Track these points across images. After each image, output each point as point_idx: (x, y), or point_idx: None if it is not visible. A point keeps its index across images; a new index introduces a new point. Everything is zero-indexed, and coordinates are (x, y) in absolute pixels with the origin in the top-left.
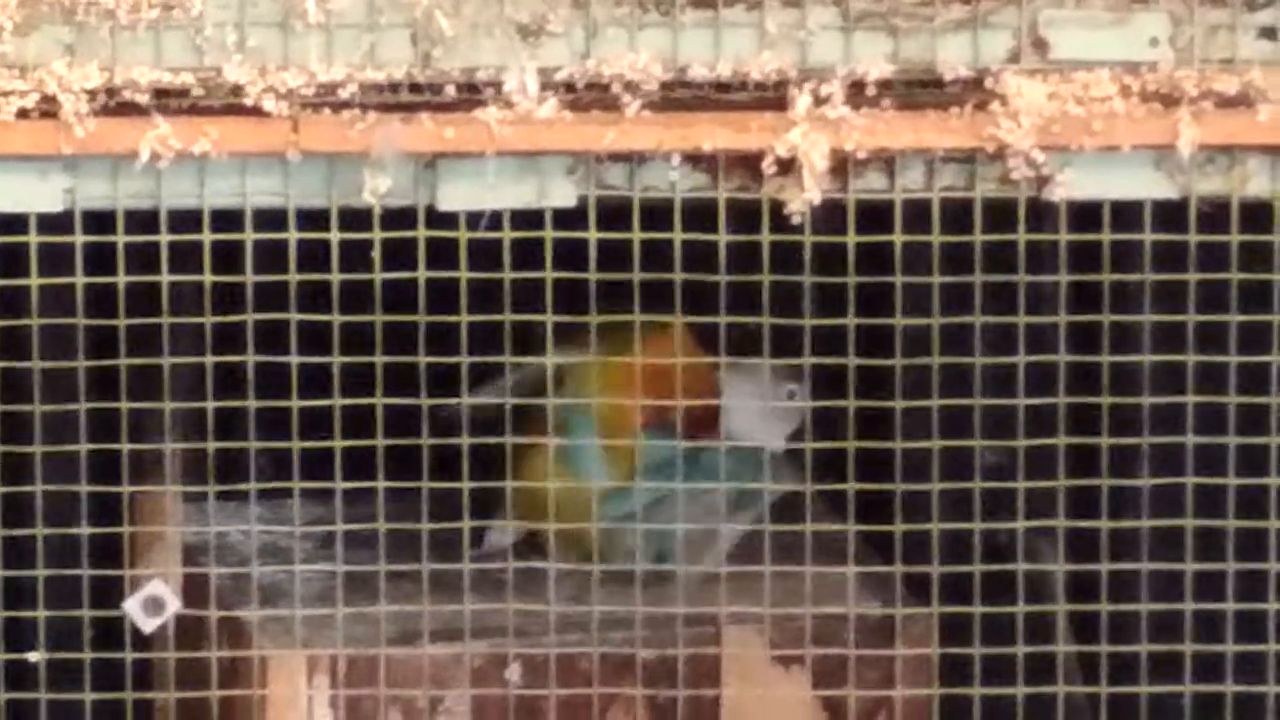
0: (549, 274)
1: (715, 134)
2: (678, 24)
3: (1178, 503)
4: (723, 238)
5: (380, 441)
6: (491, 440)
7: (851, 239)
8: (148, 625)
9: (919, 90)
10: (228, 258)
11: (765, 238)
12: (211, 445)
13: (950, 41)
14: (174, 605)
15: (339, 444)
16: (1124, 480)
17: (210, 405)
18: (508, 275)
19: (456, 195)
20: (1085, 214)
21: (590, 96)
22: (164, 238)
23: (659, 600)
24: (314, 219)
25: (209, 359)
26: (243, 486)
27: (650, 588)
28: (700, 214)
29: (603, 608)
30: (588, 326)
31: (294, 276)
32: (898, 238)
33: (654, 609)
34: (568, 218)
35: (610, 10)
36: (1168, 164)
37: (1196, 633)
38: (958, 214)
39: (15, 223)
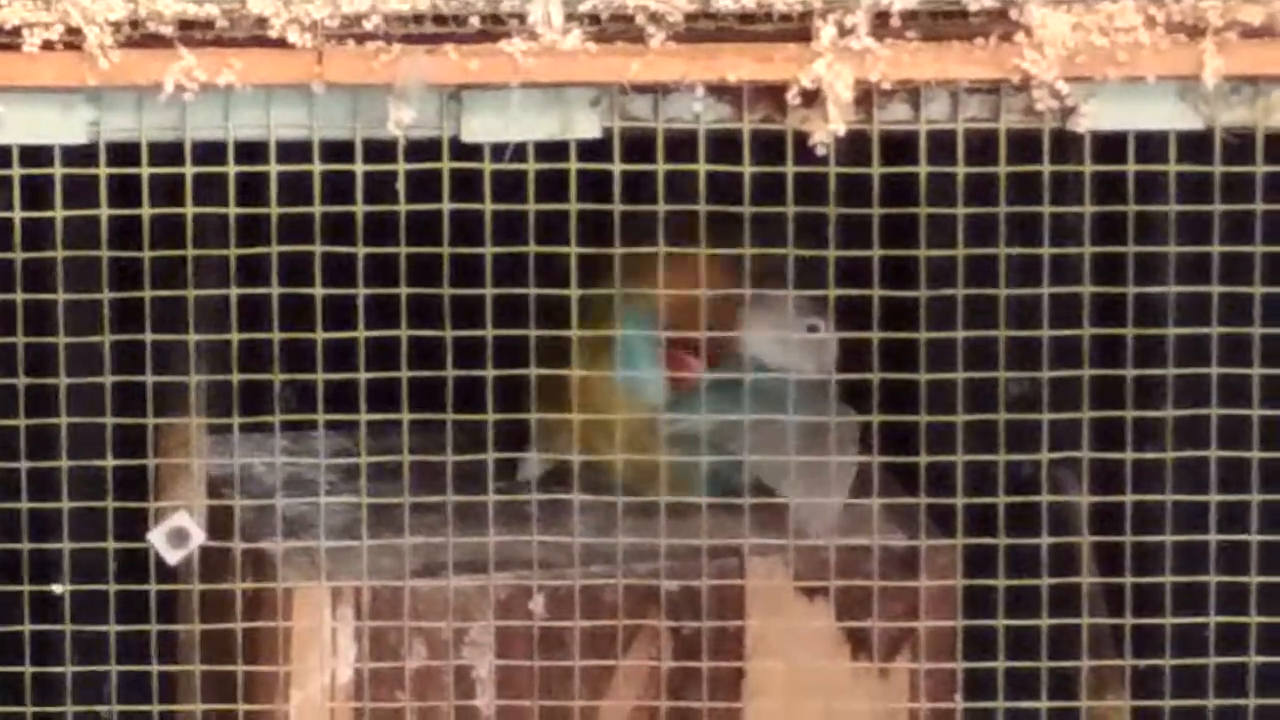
0: (574, 205)
1: (740, 65)
2: None
3: (1203, 435)
4: (747, 169)
5: (405, 373)
6: (516, 372)
7: (876, 170)
8: (172, 557)
9: (943, 21)
10: (252, 190)
11: (790, 169)
12: (236, 377)
13: None
14: (198, 537)
15: (363, 375)
16: (1149, 412)
17: (235, 337)
18: (532, 207)
19: (481, 127)
20: (1110, 145)
21: (614, 28)
22: (189, 170)
23: (690, 532)
24: (338, 151)
25: (233, 291)
26: (267, 418)
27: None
28: (725, 145)
29: (628, 540)
30: (611, 258)
31: (319, 208)
32: (922, 169)
33: (679, 540)
34: (592, 149)
35: None
36: (1192, 95)
37: (1221, 565)
38: (982, 145)
39: (40, 154)
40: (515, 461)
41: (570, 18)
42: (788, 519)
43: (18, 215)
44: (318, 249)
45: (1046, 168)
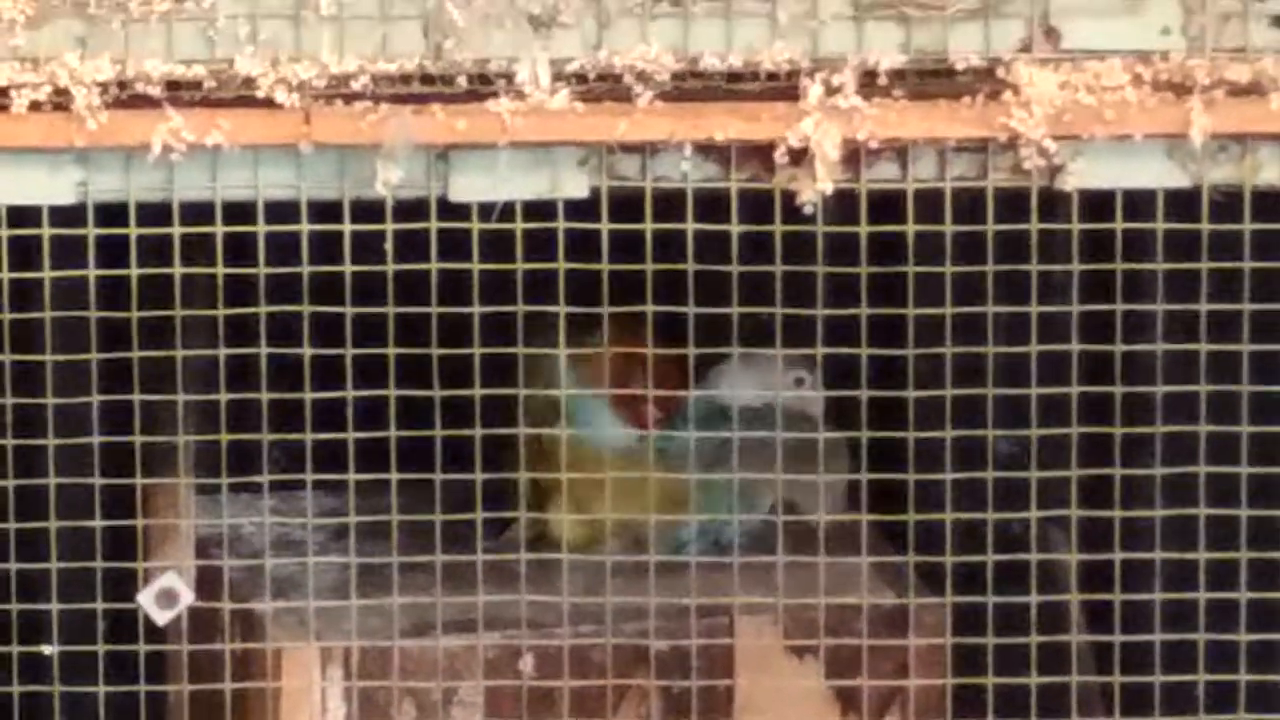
0: (561, 264)
1: (727, 124)
2: (689, 14)
3: (1191, 492)
4: (735, 227)
5: (393, 433)
6: (504, 431)
7: (863, 229)
8: (161, 618)
9: (930, 80)
10: (240, 250)
11: (777, 228)
12: (224, 437)
13: (962, 31)
14: (187, 598)
15: (352, 435)
16: (1137, 470)
17: (223, 397)
18: (520, 266)
19: (469, 186)
20: (1098, 203)
21: (602, 88)
22: (176, 230)
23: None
24: (326, 211)
25: (222, 351)
26: (256, 479)
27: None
28: (712, 204)
29: (618, 599)
30: (597, 317)
31: (306, 269)
32: (910, 228)
33: (668, 599)
34: (580, 208)
35: (622, 1)
36: (1180, 153)
37: (1210, 623)
38: (970, 204)
39: (28, 215)
40: (504, 521)
41: (558, 78)
42: (775, 577)
43: (5, 275)
44: (306, 309)
45: (1034, 226)
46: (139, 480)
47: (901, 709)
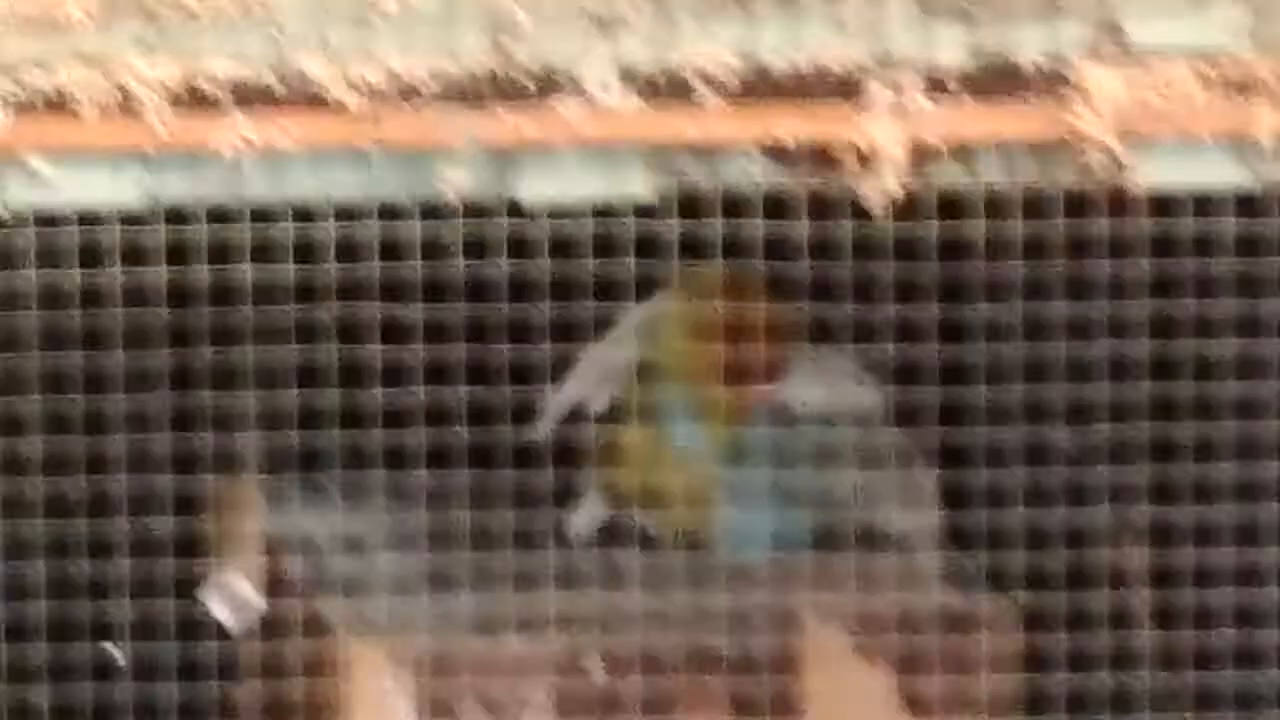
0: (630, 264)
1: (793, 126)
2: (755, 16)
3: (1261, 491)
4: (803, 227)
5: (461, 432)
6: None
7: (930, 229)
8: (229, 620)
9: (996, 80)
10: (307, 251)
11: (844, 228)
12: (293, 438)
13: (1027, 31)
14: (256, 600)
15: (421, 436)
16: (1205, 468)
17: (292, 398)
18: (588, 265)
19: (535, 188)
20: (1164, 203)
21: (667, 89)
22: (244, 232)
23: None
24: (393, 212)
25: (290, 351)
26: (324, 480)
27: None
28: (778, 205)
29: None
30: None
31: (375, 267)
32: (977, 227)
33: (737, 603)
34: (645, 209)
35: (687, 2)
36: (1247, 153)
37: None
38: (1036, 203)
39: (95, 218)
40: (567, 519)
41: (623, 79)
42: (847, 579)
43: (76, 276)
44: (374, 308)
45: (1101, 225)
46: (208, 481)
47: (972, 710)
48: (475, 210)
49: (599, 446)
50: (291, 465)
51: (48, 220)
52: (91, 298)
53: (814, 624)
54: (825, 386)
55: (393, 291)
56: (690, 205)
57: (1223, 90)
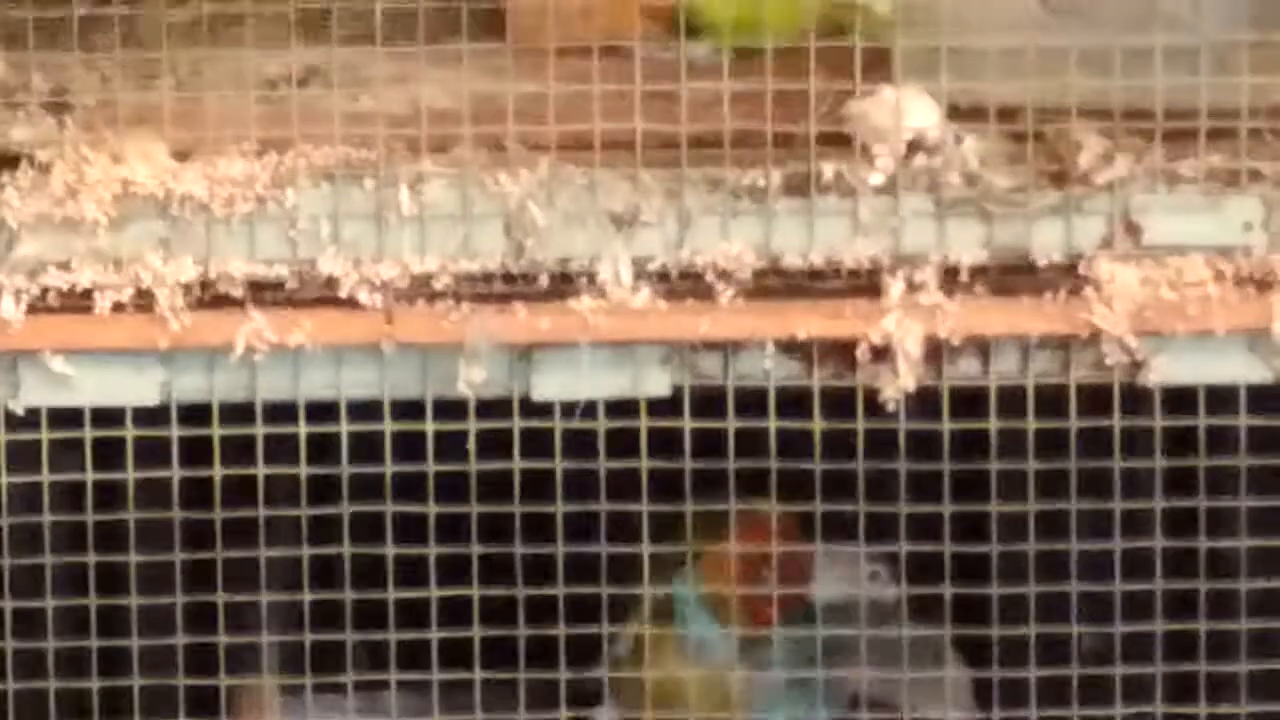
0: (644, 463)
1: (809, 322)
2: (770, 212)
3: (1276, 689)
4: (817, 425)
5: (477, 632)
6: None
7: (946, 425)
8: None
9: (1012, 276)
10: (323, 449)
11: (860, 425)
12: (308, 637)
13: (1043, 227)
14: None
15: (435, 635)
16: (1223, 666)
17: (306, 597)
18: (603, 464)
19: (551, 385)
20: (1180, 398)
21: (684, 285)
22: (260, 430)
23: None
24: (409, 410)
25: (305, 551)
26: (340, 679)
27: None
28: (795, 402)
29: None
30: (683, 516)
31: (389, 468)
32: (992, 424)
33: None
34: (662, 406)
35: (703, 199)
36: (1262, 348)
37: None
38: (1053, 399)
39: (112, 416)
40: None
41: (639, 276)
42: None
43: (90, 477)
44: (389, 508)
45: (1117, 422)
46: (223, 680)
47: None
48: (491, 407)
49: (615, 645)
50: (307, 665)
51: (64, 419)
52: (107, 496)
53: None
54: (842, 583)
55: (408, 489)
56: (706, 402)
57: (1238, 285)
